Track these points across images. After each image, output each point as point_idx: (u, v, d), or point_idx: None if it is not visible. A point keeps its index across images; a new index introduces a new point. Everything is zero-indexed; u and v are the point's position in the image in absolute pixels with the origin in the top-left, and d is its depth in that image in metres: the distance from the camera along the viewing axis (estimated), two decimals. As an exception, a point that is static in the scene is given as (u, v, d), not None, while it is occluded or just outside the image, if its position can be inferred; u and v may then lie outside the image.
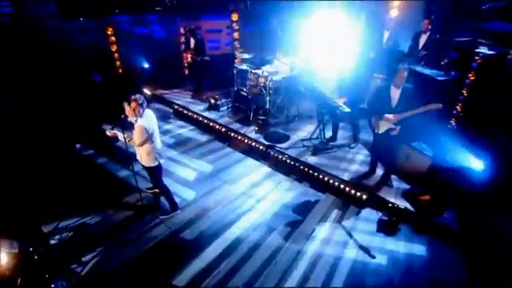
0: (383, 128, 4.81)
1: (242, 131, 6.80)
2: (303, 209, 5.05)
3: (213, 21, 9.21)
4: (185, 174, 5.85)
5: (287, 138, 6.52)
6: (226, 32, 9.65)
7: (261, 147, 6.38)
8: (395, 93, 4.63)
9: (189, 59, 8.32)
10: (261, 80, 7.28)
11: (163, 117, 7.61)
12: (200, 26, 9.09)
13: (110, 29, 8.85)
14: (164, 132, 7.00)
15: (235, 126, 7.00)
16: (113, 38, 8.96)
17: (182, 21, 9.28)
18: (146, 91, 8.72)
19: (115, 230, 4.65)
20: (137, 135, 4.31)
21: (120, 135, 4.48)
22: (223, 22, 9.62)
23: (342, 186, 5.32)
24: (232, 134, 6.84)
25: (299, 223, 4.80)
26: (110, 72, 9.19)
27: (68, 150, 6.39)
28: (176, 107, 7.86)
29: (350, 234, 4.62)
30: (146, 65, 9.47)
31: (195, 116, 7.43)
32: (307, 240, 4.53)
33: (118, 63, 9.46)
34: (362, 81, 5.77)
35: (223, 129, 7.03)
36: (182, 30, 9.28)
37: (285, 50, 7.46)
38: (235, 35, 9.12)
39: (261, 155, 6.25)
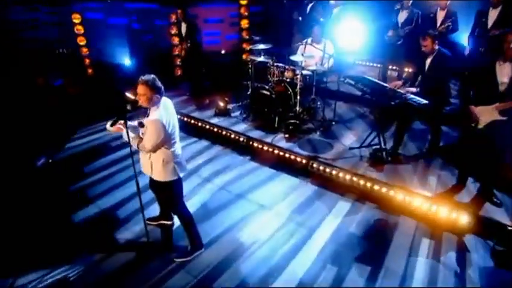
0: (485, 119, 4.16)
1: (268, 140, 6.14)
2: (377, 239, 4.35)
3: (211, 9, 8.58)
4: (200, 198, 5.06)
5: (330, 147, 5.92)
6: (229, 22, 9.06)
7: (298, 160, 5.64)
8: (504, 71, 4.00)
9: (183, 52, 7.57)
10: (288, 74, 6.63)
11: None
12: (196, 16, 8.50)
13: (77, 18, 8.03)
14: None
15: (257, 134, 6.38)
16: (79, 29, 8.12)
17: (169, 9, 8.61)
18: (130, 96, 7.90)
19: (109, 284, 3.74)
20: (149, 136, 3.49)
21: (124, 134, 3.61)
22: (224, 9, 9.03)
23: (427, 206, 4.56)
24: (255, 145, 6.15)
25: (377, 258, 4.07)
26: (75, 73, 8.50)
27: (25, 167, 5.61)
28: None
29: (457, 274, 3.81)
30: (127, 62, 8.66)
31: (201, 125, 6.86)
32: (403, 283, 3.69)
33: (87, 61, 8.60)
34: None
35: (241, 139, 6.30)
36: (173, 19, 8.57)
37: (317, 36, 6.84)
38: (244, 23, 8.49)
39: (300, 170, 5.61)
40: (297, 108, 6.51)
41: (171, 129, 3.59)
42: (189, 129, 6.97)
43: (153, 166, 3.74)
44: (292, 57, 6.70)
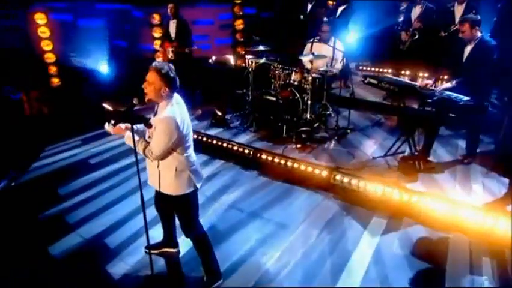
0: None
1: (278, 151, 5.83)
2: (427, 259, 3.98)
3: (198, 9, 8.32)
4: (207, 220, 4.61)
5: (350, 157, 5.68)
6: (220, 24, 8.81)
7: (317, 172, 5.32)
8: None
9: (170, 54, 7.23)
10: (296, 76, 6.37)
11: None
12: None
13: (41, 19, 7.54)
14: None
15: (263, 145, 6.08)
16: (44, 32, 7.63)
17: (150, 9, 8.30)
18: (108, 107, 7.54)
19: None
20: (159, 138, 3.10)
21: (128, 136, 3.25)
22: (213, 10, 8.85)
23: (479, 218, 4.27)
24: (264, 157, 5.82)
25: (434, 280, 3.73)
26: (37, 83, 8.07)
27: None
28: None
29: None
30: (102, 69, 8.20)
31: (197, 137, 6.47)
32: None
33: (52, 69, 8.08)
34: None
35: (246, 151, 5.96)
36: (156, 20, 8.23)
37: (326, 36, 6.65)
38: (238, 23, 8.26)
39: (320, 184, 5.28)
40: (308, 115, 6.22)
41: (186, 130, 3.19)
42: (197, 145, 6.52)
43: (162, 177, 3.32)
44: (302, 57, 6.48)
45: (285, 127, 6.24)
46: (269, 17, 9.00)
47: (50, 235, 4.37)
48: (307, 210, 4.82)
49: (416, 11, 7.15)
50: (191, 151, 3.34)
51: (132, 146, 3.21)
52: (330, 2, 8.55)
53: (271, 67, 6.63)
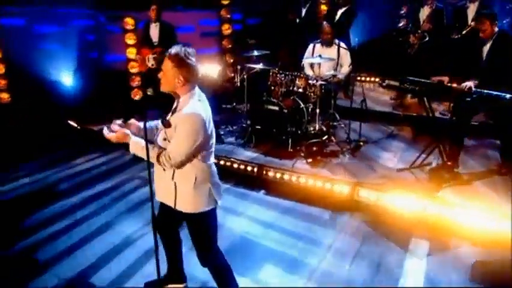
0: None
1: (287, 167, 5.54)
2: (492, 285, 3.69)
3: (176, 15, 8.04)
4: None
5: (371, 170, 5.44)
6: (201, 31, 8.52)
7: (337, 188, 5.08)
8: None
9: (151, 61, 6.92)
10: (300, 82, 6.13)
11: (121, 166, 6.23)
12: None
13: None
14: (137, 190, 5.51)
15: (267, 161, 5.77)
16: None
17: (120, 13, 8.08)
18: (74, 124, 7.17)
19: None
20: (182, 139, 2.76)
21: (136, 142, 2.91)
22: (194, 15, 8.67)
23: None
24: (271, 174, 5.53)
25: None
26: None
27: None
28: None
29: None
30: (65, 82, 7.67)
31: None
32: None
33: (2, 82, 7.48)
34: None
35: (249, 168, 5.64)
36: (129, 25, 7.83)
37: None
38: (225, 28, 7.99)
39: (341, 202, 4.98)
40: (317, 126, 6.00)
41: (211, 130, 2.86)
42: None
43: (178, 190, 2.91)
44: (307, 60, 6.26)
45: (290, 140, 5.93)
46: (256, 23, 8.82)
47: (18, 277, 3.74)
48: (332, 233, 4.48)
49: (425, 12, 7.13)
50: (213, 159, 2.98)
51: (140, 154, 2.84)
52: (323, 7, 8.51)
53: (270, 74, 6.36)
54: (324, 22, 6.62)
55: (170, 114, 2.88)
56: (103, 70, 8.35)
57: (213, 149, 2.95)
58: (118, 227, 4.55)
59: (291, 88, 6.18)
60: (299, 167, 5.50)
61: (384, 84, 5.45)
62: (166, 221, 3.24)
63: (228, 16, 8.22)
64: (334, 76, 6.17)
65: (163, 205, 3.12)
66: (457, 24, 6.93)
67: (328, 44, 6.47)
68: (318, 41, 6.60)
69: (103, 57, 8.45)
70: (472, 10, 6.84)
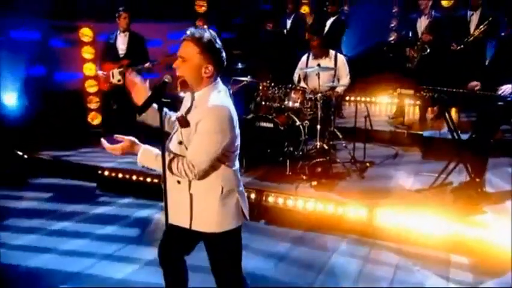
0: None
1: (289, 192, 5.35)
2: None
3: (140, 26, 7.80)
4: None
5: (386, 192, 5.36)
6: (168, 46, 8.39)
7: (351, 212, 4.93)
8: None
9: (117, 76, 6.74)
10: (296, 96, 6.05)
11: (81, 197, 6.01)
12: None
13: None
14: (102, 221, 5.31)
15: (263, 186, 5.53)
16: None
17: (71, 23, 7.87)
18: (19, 153, 6.87)
19: None
20: (205, 139, 2.47)
21: (145, 150, 2.60)
22: (162, 27, 8.56)
23: None
24: (271, 200, 5.29)
25: None
26: None
27: None
28: (108, 173, 6.33)
29: None
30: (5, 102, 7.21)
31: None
32: None
33: None
34: None
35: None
36: (86, 37, 7.53)
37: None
38: None
39: (357, 228, 4.85)
40: (318, 144, 5.87)
41: (237, 131, 2.61)
42: (146, 190, 5.88)
43: (197, 204, 2.58)
44: (307, 70, 6.30)
45: (288, 161, 5.77)
46: (230, 38, 8.81)
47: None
48: (357, 264, 4.27)
49: (422, 23, 7.30)
50: (237, 163, 2.72)
51: (152, 165, 2.53)
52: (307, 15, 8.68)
53: (260, 87, 6.22)
54: (313, 35, 6.74)
55: (184, 112, 2.58)
56: (52, 90, 7.89)
57: (238, 153, 2.70)
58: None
59: (285, 103, 6.04)
60: (303, 191, 5.34)
61: (395, 93, 5.42)
62: (175, 250, 2.86)
63: (205, 27, 7.99)
64: (333, 89, 6.12)
65: (170, 229, 2.72)
66: (458, 35, 7.12)
67: (321, 55, 6.46)
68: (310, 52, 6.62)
69: (53, 74, 8.02)
70: (473, 19, 7.13)
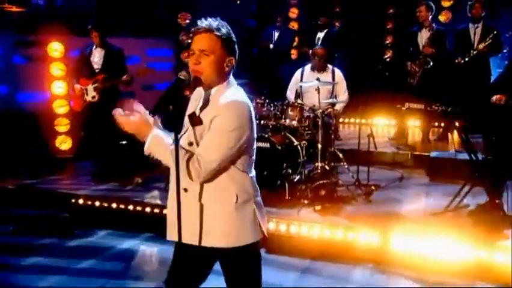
0: None
1: (291, 217, 5.32)
2: None
3: (119, 41, 7.80)
4: None
5: (399, 216, 5.39)
6: (146, 63, 8.36)
7: (362, 238, 4.89)
8: None
9: (91, 93, 6.70)
10: (293, 114, 6.09)
11: (52, 229, 5.87)
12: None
13: None
14: (79, 254, 5.21)
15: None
16: None
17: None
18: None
19: None
20: (220, 136, 2.41)
21: (156, 136, 2.47)
22: (139, 43, 8.61)
23: None
24: (272, 227, 5.14)
25: None
26: None
27: None
28: (82, 201, 6.19)
29: None
30: None
31: (153, 210, 5.85)
32: None
33: None
34: None
35: None
36: (55, 52, 7.48)
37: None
38: (185, 56, 7.98)
39: (370, 255, 4.84)
40: (319, 165, 5.86)
41: (255, 132, 2.56)
42: (127, 220, 5.83)
43: (208, 216, 2.48)
44: (306, 85, 6.37)
45: (287, 184, 5.73)
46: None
47: None
48: None
49: (423, 36, 7.45)
50: (254, 171, 2.64)
51: (161, 155, 2.41)
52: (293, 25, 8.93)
53: (254, 104, 6.16)
54: (317, 45, 6.99)
55: (197, 110, 2.50)
56: (15, 111, 7.83)
57: (254, 157, 2.64)
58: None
59: (282, 121, 6.02)
60: (306, 216, 5.31)
61: (404, 108, 5.47)
62: (186, 277, 2.67)
63: (189, 41, 7.99)
64: (333, 106, 6.15)
65: (179, 251, 2.64)
66: (461, 48, 7.29)
67: (320, 68, 6.53)
68: (308, 65, 6.70)
69: (15, 94, 7.98)
70: (475, 32, 7.29)
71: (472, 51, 7.09)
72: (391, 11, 9.56)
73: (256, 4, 10.42)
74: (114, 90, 6.75)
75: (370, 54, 9.36)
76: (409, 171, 6.98)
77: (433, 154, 6.85)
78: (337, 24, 9.17)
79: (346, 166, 6.27)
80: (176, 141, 2.27)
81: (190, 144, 2.43)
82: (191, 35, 2.50)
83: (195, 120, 2.40)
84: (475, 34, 7.24)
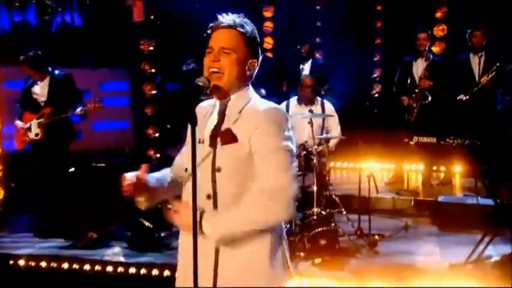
0: None
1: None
2: None
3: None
4: None
5: (411, 268, 5.40)
6: (97, 97, 8.22)
7: None
8: None
9: (35, 129, 6.72)
10: None
11: None
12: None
13: None
14: None
15: None
16: None
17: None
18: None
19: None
20: (281, 153, 2.26)
21: (226, 220, 2.24)
22: (89, 74, 8.62)
23: None
24: None
25: None
26: None
27: None
28: (24, 263, 5.98)
29: None
30: None
31: (111, 269, 5.79)
32: None
33: None
34: None
35: None
36: None
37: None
38: (149, 89, 7.85)
39: None
40: (315, 210, 5.78)
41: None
42: (83, 282, 5.73)
43: (228, 257, 2.29)
44: (294, 117, 6.27)
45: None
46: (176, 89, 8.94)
47: None
48: None
49: (419, 66, 7.58)
50: None
51: (235, 229, 2.19)
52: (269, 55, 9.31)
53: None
54: (304, 74, 7.12)
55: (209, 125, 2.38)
56: None
57: None
58: None
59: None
60: (305, 270, 5.24)
61: (413, 142, 5.46)
62: None
63: (153, 71, 7.92)
64: (327, 141, 6.17)
65: None
66: (462, 81, 7.47)
67: (309, 101, 6.58)
68: (293, 98, 6.77)
69: None
70: (476, 63, 7.46)
71: (475, 87, 7.25)
72: (378, 41, 9.80)
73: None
74: (63, 125, 6.70)
75: (358, 88, 9.46)
76: (414, 219, 6.98)
77: (441, 199, 6.88)
78: (318, 55, 9.27)
79: (344, 213, 6.25)
80: (194, 171, 2.02)
81: (218, 170, 2.24)
82: (209, 31, 2.44)
83: (226, 137, 2.23)
84: (479, 64, 7.38)
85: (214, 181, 2.25)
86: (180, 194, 2.43)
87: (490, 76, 7.21)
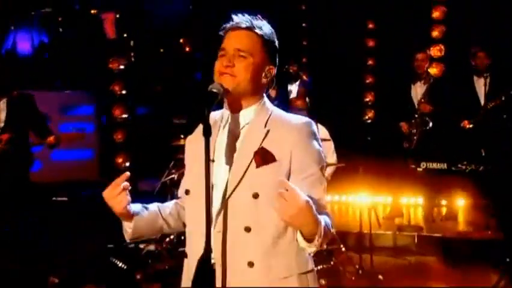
0: None
1: None
2: None
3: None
4: None
5: None
6: (58, 123, 8.40)
7: None
8: None
9: None
10: None
11: None
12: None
13: None
14: None
15: None
16: None
17: None
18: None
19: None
20: (319, 174, 2.34)
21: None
22: (49, 97, 8.49)
23: None
24: None
25: None
26: None
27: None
28: None
29: None
30: None
31: None
32: None
33: None
34: None
35: None
36: None
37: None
38: (119, 112, 7.73)
39: None
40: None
41: None
42: None
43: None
44: None
45: None
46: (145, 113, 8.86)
47: None
48: None
49: (418, 90, 7.58)
50: None
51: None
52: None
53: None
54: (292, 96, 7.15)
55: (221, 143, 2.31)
56: None
57: None
58: None
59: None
60: None
61: (421, 169, 5.38)
62: None
63: (124, 92, 7.77)
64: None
65: None
66: (465, 105, 7.46)
67: None
68: None
69: None
70: (480, 85, 7.41)
71: (480, 112, 7.24)
72: (370, 62, 9.80)
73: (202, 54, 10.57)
74: (22, 153, 6.56)
75: (349, 114, 9.46)
76: (417, 258, 6.97)
77: (448, 235, 6.85)
78: (304, 77, 9.27)
79: (343, 249, 6.27)
80: (208, 189, 1.96)
81: (255, 196, 2.13)
82: (221, 33, 2.41)
83: (262, 158, 2.14)
84: (485, 86, 7.33)
85: (256, 196, 2.17)
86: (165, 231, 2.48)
87: (498, 102, 7.14)
